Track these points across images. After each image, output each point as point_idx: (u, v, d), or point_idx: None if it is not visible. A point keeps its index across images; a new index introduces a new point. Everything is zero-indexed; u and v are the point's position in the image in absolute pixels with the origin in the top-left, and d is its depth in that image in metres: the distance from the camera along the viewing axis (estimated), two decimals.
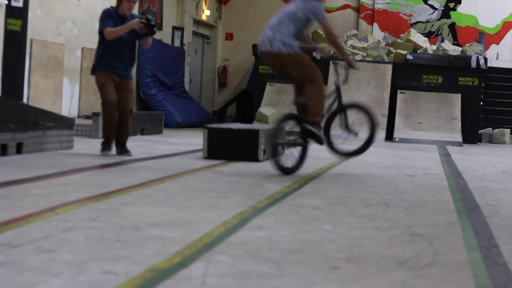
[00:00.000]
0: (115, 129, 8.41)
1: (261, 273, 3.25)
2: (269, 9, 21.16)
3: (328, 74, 16.79)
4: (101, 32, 8.27)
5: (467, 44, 17.99)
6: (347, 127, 7.89)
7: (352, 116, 8.07)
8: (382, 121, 16.11)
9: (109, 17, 8.29)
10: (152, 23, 8.19)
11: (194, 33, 20.20)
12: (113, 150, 8.55)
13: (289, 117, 7.48)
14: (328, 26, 7.51)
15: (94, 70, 8.37)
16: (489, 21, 20.61)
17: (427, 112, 16.39)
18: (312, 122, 7.43)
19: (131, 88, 8.46)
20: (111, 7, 8.49)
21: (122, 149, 8.49)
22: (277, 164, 7.33)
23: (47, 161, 7.48)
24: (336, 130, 8.04)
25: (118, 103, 8.33)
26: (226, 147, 8.67)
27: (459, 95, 16.54)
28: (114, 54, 8.30)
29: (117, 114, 8.39)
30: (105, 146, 8.44)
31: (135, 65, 16.52)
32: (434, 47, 18.47)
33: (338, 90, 7.92)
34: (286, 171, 7.34)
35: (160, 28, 17.80)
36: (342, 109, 7.88)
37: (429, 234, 4.46)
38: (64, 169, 6.81)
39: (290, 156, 7.63)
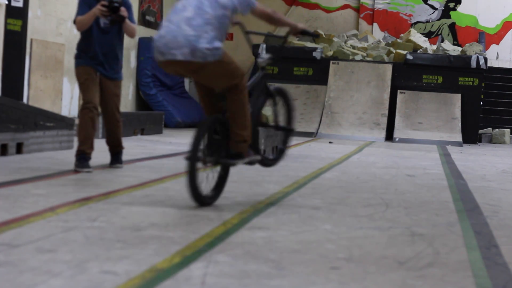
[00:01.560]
0: (93, 141, 6.97)
1: (261, 273, 3.25)
2: None
3: (328, 74, 16.79)
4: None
5: (467, 44, 17.98)
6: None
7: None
8: (382, 121, 16.12)
9: (85, 3, 6.95)
10: (116, 4, 6.81)
11: None
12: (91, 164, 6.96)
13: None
14: (263, 9, 5.29)
15: (76, 63, 7.05)
16: (489, 21, 20.60)
17: (427, 112, 16.39)
18: (239, 153, 5.21)
19: (117, 92, 7.13)
20: None
21: (113, 159, 7.25)
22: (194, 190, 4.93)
23: (47, 161, 7.48)
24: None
25: (103, 109, 7.13)
26: None
27: (459, 95, 16.53)
28: (96, 45, 6.97)
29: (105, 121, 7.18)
30: (80, 163, 6.81)
31: (135, 65, 16.55)
32: (434, 47, 18.47)
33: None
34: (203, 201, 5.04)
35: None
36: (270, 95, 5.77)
37: (429, 234, 4.46)
38: (64, 169, 6.81)
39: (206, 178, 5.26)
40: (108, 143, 7.23)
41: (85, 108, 6.89)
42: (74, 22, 7.01)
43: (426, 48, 18.01)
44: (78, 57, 7.06)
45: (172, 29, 4.99)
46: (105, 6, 6.80)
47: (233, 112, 5.16)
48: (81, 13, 6.92)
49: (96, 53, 6.98)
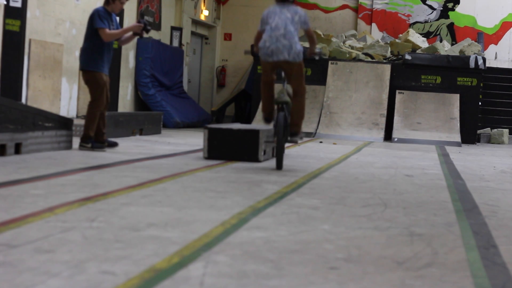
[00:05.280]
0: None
1: (259, 273, 3.25)
2: None
3: (327, 74, 16.79)
4: (97, 29, 8.77)
5: (465, 44, 17.98)
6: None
7: None
8: (381, 121, 16.12)
9: (104, 17, 8.78)
10: (149, 28, 8.79)
11: (192, 33, 20.20)
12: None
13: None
14: (311, 30, 8.13)
15: (94, 67, 8.81)
16: (487, 21, 20.62)
17: (425, 112, 16.39)
18: (296, 133, 7.98)
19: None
20: (101, 6, 9.00)
21: (110, 142, 9.20)
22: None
23: (46, 161, 7.48)
24: None
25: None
26: (226, 148, 8.66)
27: (458, 95, 16.54)
28: (108, 51, 8.89)
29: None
30: (99, 144, 8.99)
31: (133, 65, 16.56)
32: None
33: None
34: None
35: (158, 28, 17.79)
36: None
37: (428, 234, 4.47)
38: (62, 169, 6.81)
39: None
40: (97, 131, 8.96)
41: (98, 106, 8.91)
42: (96, 30, 8.72)
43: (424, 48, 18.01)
44: (96, 61, 8.79)
45: (274, 41, 7.68)
46: (141, 24, 8.74)
47: (296, 110, 7.91)
48: (103, 25, 8.68)
49: (107, 55, 8.86)
